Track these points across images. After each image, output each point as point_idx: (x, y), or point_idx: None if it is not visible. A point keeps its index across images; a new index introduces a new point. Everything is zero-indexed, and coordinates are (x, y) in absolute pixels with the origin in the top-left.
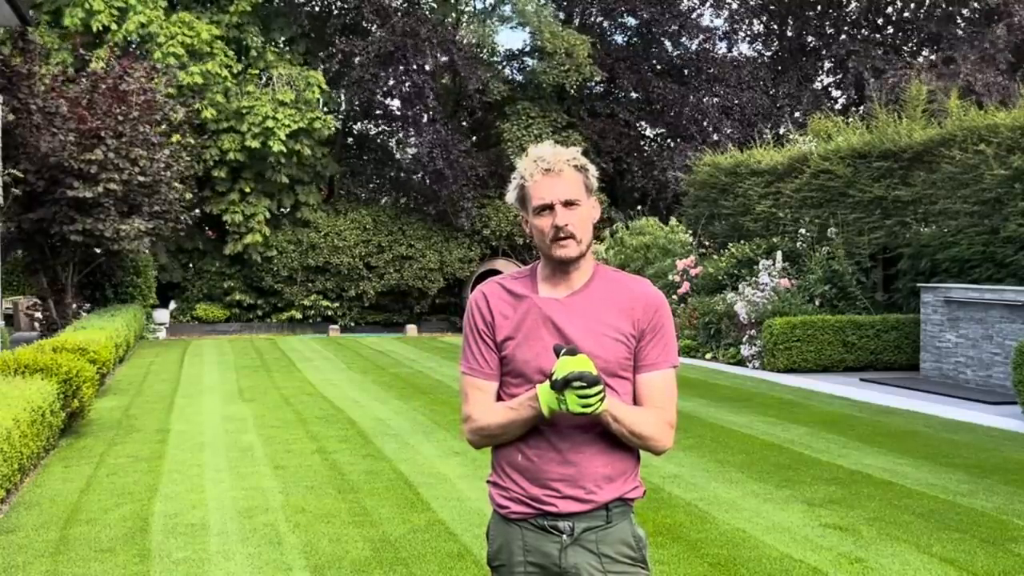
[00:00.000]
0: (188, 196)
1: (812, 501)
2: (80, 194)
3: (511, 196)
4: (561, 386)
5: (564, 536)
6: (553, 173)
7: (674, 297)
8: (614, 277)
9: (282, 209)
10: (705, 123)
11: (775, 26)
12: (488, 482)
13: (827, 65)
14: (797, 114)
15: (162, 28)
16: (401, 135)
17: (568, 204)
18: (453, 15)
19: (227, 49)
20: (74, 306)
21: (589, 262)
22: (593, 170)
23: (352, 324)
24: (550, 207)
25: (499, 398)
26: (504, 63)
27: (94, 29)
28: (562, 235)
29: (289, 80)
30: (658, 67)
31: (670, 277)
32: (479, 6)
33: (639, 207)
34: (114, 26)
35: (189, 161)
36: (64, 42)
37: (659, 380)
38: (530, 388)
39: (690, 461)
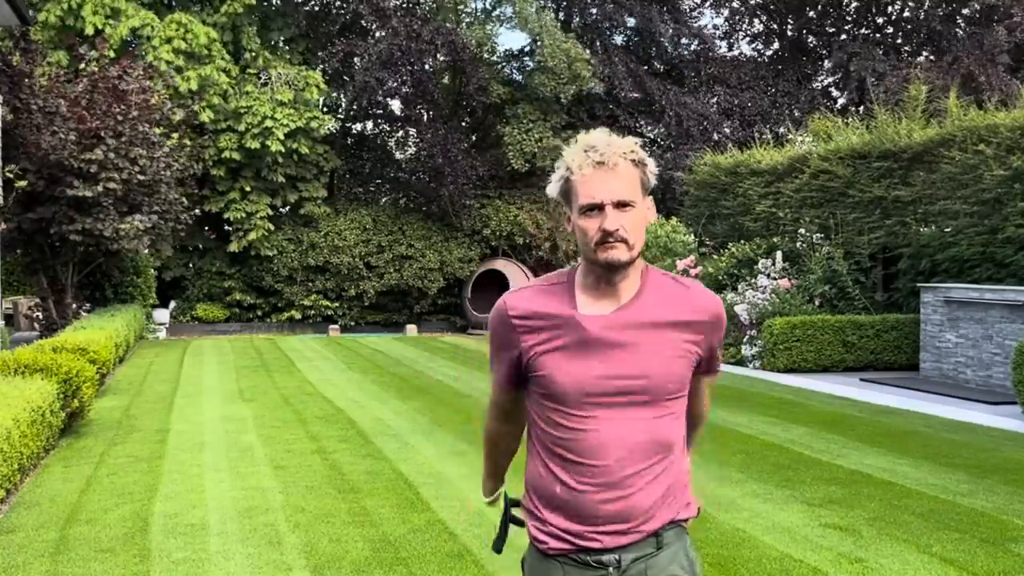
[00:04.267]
0: (185, 199)
1: (812, 501)
2: (80, 193)
3: (553, 189)
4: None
5: (610, 569)
6: (606, 167)
7: None
8: (668, 284)
9: (283, 208)
10: (705, 123)
11: (775, 26)
12: (520, 505)
13: (827, 65)
14: (797, 114)
15: (155, 31)
16: (401, 135)
17: (621, 205)
18: (452, 16)
19: (224, 52)
20: (74, 306)
21: (638, 269)
22: (652, 165)
23: (352, 324)
24: (599, 207)
25: (535, 416)
26: (504, 63)
27: (88, 31)
28: (611, 240)
29: (288, 80)
30: (658, 67)
31: None
32: (479, 6)
33: None
34: (108, 29)
35: (187, 162)
36: (60, 41)
37: (705, 387)
38: (570, 413)
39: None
